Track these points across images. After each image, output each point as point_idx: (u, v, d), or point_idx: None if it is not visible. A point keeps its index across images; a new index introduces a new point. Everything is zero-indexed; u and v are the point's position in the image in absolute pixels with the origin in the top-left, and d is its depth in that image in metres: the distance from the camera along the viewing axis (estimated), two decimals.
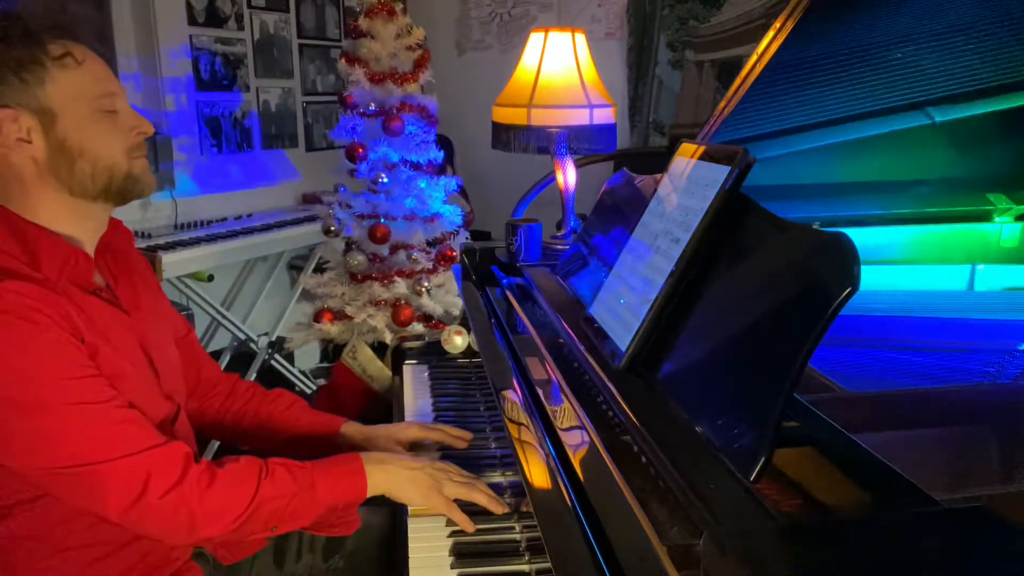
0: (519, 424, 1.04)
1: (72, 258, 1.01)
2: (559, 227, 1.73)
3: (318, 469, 1.04)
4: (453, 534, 1.06)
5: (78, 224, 1.04)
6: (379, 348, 2.73)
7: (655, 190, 1.10)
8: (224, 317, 3.32)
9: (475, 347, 1.62)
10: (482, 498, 1.07)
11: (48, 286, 0.96)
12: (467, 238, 3.02)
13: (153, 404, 1.09)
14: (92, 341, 0.98)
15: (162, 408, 1.12)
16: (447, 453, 1.27)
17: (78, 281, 1.02)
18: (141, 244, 2.72)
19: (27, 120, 0.98)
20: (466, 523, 1.05)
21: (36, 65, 0.97)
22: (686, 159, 1.04)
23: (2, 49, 0.96)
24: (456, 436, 1.28)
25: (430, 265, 2.86)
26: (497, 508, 1.07)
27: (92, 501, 0.94)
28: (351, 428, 1.32)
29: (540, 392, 1.04)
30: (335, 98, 3.07)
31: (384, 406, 2.68)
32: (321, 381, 3.57)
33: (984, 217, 1.56)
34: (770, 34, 1.17)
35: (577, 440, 0.89)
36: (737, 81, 1.26)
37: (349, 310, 2.79)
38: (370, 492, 1.06)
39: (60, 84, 0.98)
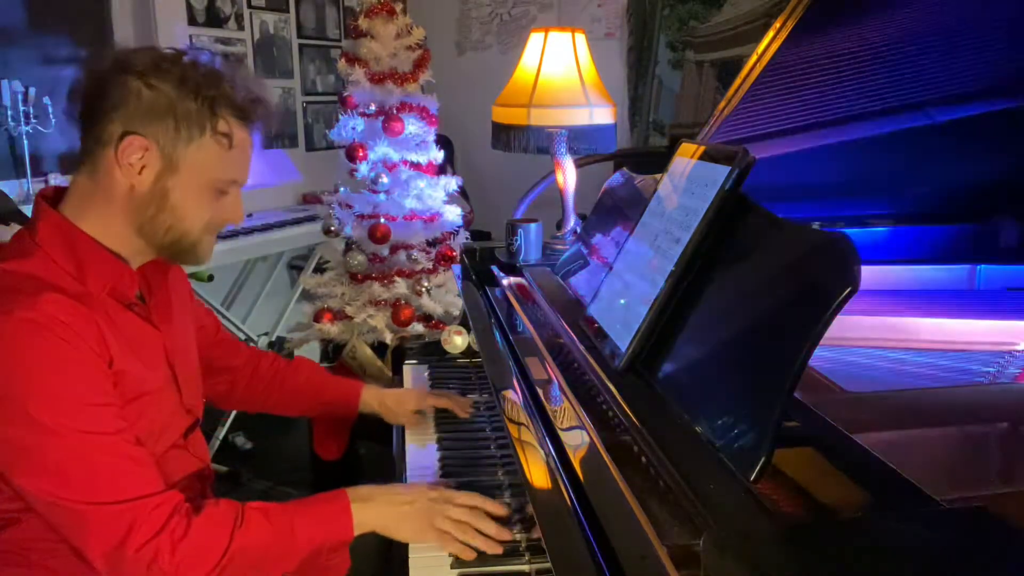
0: (519, 424, 1.04)
1: (117, 273, 1.04)
2: (559, 227, 1.73)
3: (299, 512, 1.01)
4: None
5: (131, 251, 1.07)
6: (379, 348, 2.72)
7: (655, 190, 1.10)
8: (224, 317, 3.32)
9: (475, 347, 1.61)
10: (479, 541, 1.01)
11: (87, 300, 0.97)
12: (467, 238, 3.01)
13: (173, 418, 1.12)
14: (120, 362, 0.99)
15: (181, 422, 1.14)
16: (447, 452, 1.27)
17: (118, 296, 1.04)
18: None
19: (152, 158, 1.01)
20: (465, 553, 1.00)
21: (198, 128, 1.01)
22: (686, 159, 1.04)
23: (184, 96, 1.00)
24: (460, 404, 1.40)
25: (430, 265, 2.85)
26: (494, 549, 1.00)
27: (74, 538, 0.93)
28: (368, 394, 1.43)
29: (540, 392, 1.04)
30: (335, 98, 3.07)
31: None
32: None
33: (984, 217, 1.56)
34: (770, 34, 1.17)
35: (577, 440, 0.89)
36: (737, 81, 1.26)
37: (349, 310, 2.79)
38: (357, 531, 1.02)
39: (202, 152, 1.02)
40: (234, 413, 3.15)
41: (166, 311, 1.15)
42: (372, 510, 1.04)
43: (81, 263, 1.00)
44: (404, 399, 1.42)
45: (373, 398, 1.43)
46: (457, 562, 1.00)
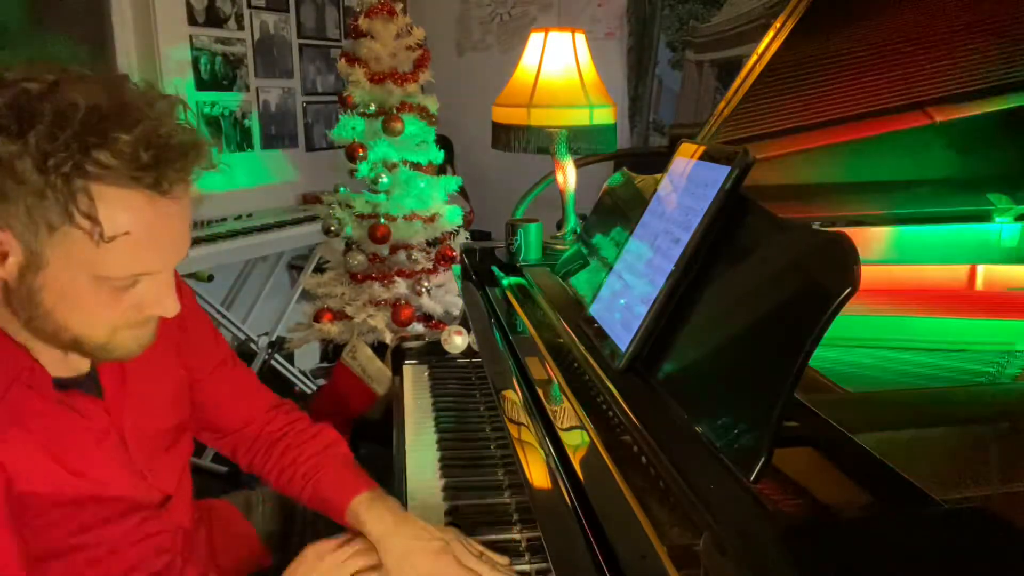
0: (519, 424, 1.04)
1: (27, 371, 0.83)
2: (559, 227, 1.73)
3: None
4: None
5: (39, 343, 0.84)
6: (379, 348, 2.73)
7: (655, 190, 1.10)
8: (224, 317, 3.32)
9: (475, 347, 1.61)
10: None
11: None
12: (467, 238, 3.02)
13: (134, 506, 0.94)
14: (27, 480, 0.82)
15: (147, 503, 0.96)
16: (447, 452, 1.27)
17: (36, 389, 0.84)
18: None
19: (11, 244, 0.74)
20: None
21: (54, 210, 0.71)
22: (686, 159, 1.04)
23: (34, 169, 0.70)
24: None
25: (430, 265, 2.86)
26: None
27: None
28: (366, 512, 1.01)
29: (540, 392, 1.04)
30: (335, 98, 3.07)
31: (384, 406, 2.68)
32: (321, 381, 3.57)
33: (984, 217, 1.56)
34: (770, 34, 1.17)
35: (577, 440, 0.89)
36: (737, 81, 1.26)
37: (349, 310, 2.79)
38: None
39: (71, 243, 0.73)
40: None
41: (121, 380, 0.93)
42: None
43: None
44: (415, 552, 0.96)
45: (375, 524, 0.99)
46: None
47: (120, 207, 0.73)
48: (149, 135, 0.73)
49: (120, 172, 0.72)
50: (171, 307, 0.83)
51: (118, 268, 0.77)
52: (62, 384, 0.87)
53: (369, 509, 1.01)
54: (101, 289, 0.78)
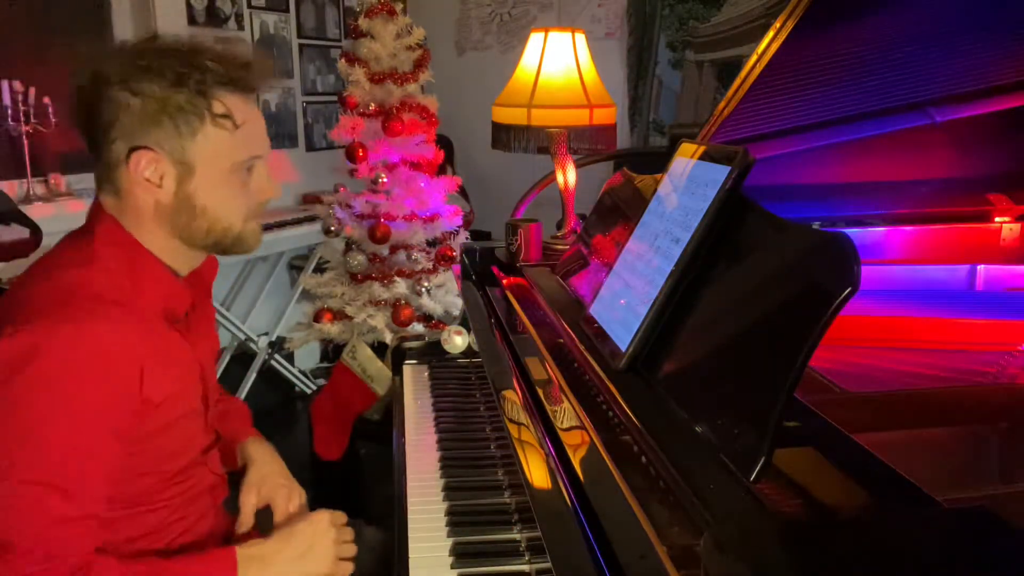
0: (519, 424, 1.04)
1: (173, 292, 1.03)
2: (559, 227, 1.73)
3: (188, 571, 0.97)
4: (453, 534, 1.06)
5: (178, 260, 1.05)
6: (379, 348, 2.72)
7: (655, 190, 1.10)
8: (224, 317, 3.32)
9: (475, 347, 1.61)
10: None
11: (143, 317, 0.95)
12: (467, 238, 3.02)
13: (197, 438, 1.10)
14: (154, 391, 0.95)
15: (204, 440, 1.12)
16: (447, 452, 1.28)
17: (168, 315, 1.02)
18: None
19: (165, 166, 0.97)
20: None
21: (195, 117, 0.97)
22: (686, 159, 1.04)
23: (170, 89, 0.95)
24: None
25: (430, 265, 2.85)
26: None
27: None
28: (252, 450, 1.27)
29: (540, 392, 1.04)
30: (335, 98, 3.07)
31: (384, 406, 2.68)
32: (321, 381, 3.57)
33: (984, 217, 1.56)
34: (770, 34, 1.17)
35: (577, 440, 0.89)
36: (737, 81, 1.26)
37: (349, 310, 2.79)
38: None
39: (210, 141, 0.98)
40: None
41: (203, 325, 1.13)
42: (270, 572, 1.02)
43: (138, 279, 0.98)
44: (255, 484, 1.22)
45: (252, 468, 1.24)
46: (457, 562, 1.00)
47: (234, 104, 0.99)
48: (232, 49, 1.01)
49: (227, 77, 0.98)
50: (276, 189, 1.08)
51: (243, 151, 1.01)
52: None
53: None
54: (233, 177, 1.01)
